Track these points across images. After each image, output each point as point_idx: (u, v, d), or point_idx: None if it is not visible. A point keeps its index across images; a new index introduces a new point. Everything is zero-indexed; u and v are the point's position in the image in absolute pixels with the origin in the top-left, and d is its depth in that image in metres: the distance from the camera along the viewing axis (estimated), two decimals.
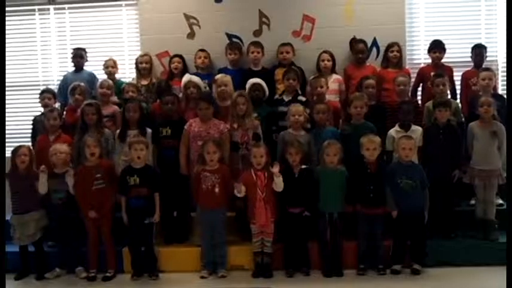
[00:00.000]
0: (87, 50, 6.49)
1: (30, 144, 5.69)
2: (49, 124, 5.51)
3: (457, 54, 6.26)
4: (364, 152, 4.92)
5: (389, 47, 6.13)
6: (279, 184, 4.87)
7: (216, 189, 4.94)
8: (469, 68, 6.04)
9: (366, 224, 4.94)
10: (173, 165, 5.28)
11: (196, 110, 5.39)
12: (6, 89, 6.41)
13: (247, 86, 5.67)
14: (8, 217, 5.25)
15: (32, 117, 6.04)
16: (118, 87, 6.16)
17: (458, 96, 6.00)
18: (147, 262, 5.08)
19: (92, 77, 6.35)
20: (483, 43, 6.18)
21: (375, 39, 6.34)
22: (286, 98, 5.62)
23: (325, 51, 6.10)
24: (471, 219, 5.25)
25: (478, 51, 6.00)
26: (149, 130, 5.39)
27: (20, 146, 5.21)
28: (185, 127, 5.30)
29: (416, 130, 5.23)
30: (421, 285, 4.70)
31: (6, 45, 6.39)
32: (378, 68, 6.19)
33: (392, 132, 5.26)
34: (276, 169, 4.82)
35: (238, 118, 5.27)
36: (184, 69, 6.24)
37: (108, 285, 5.00)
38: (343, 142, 5.08)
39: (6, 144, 5.91)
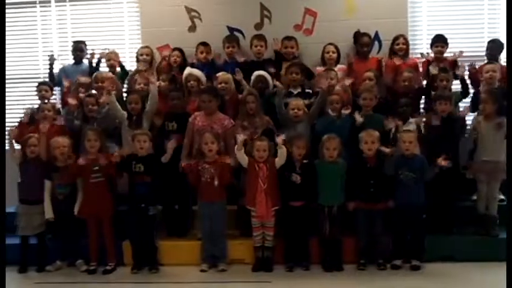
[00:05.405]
0: (87, 43, 6.48)
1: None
2: (43, 116, 5.52)
3: (460, 48, 6.18)
4: (363, 146, 4.91)
5: (395, 39, 6.09)
6: (282, 156, 4.87)
7: (215, 182, 4.94)
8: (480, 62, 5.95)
9: (366, 219, 4.93)
10: (178, 158, 5.26)
11: (198, 103, 5.41)
12: (7, 81, 6.47)
13: (252, 78, 5.69)
14: (10, 208, 5.28)
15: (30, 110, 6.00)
16: (120, 78, 6.16)
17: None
18: (148, 254, 5.09)
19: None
20: (486, 37, 6.17)
21: (376, 33, 6.30)
22: (294, 91, 5.62)
23: (330, 43, 6.07)
24: (472, 215, 5.24)
25: (488, 45, 5.97)
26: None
27: (29, 136, 5.21)
28: (189, 120, 5.30)
29: (414, 122, 5.21)
30: (421, 281, 4.69)
31: (7, 37, 6.42)
32: (385, 59, 6.11)
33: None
34: (280, 139, 4.85)
35: (248, 116, 5.27)
36: (184, 63, 6.20)
37: (108, 278, 5.00)
38: (355, 132, 5.07)
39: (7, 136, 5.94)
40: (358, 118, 5.17)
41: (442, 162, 4.79)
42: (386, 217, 4.93)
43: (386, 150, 4.89)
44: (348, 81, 5.69)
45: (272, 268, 4.98)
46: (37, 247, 5.24)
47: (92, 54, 6.31)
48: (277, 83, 5.41)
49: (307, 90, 5.67)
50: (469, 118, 5.54)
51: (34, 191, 5.16)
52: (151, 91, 5.44)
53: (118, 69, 6.33)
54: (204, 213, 5.06)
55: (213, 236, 5.04)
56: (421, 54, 6.04)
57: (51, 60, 6.37)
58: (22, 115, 5.71)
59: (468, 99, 5.79)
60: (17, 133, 5.39)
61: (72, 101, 5.69)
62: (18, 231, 5.19)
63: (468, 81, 5.82)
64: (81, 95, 5.76)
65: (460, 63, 5.76)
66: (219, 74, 5.74)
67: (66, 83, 6.10)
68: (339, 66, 6.01)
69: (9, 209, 5.41)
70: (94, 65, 6.31)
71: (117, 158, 5.03)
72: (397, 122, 5.14)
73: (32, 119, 5.78)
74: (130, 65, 6.58)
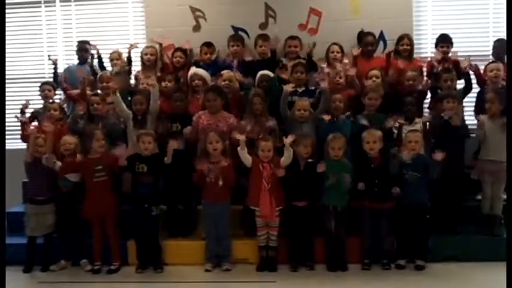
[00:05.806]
0: (92, 42, 6.47)
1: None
2: (48, 115, 5.54)
3: (465, 48, 6.18)
4: (365, 146, 4.91)
5: (399, 40, 6.05)
6: (288, 157, 4.86)
7: (220, 182, 4.94)
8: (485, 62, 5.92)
9: (371, 219, 4.93)
10: (182, 159, 5.23)
11: (202, 101, 5.43)
12: (13, 81, 6.48)
13: (257, 78, 5.71)
14: (12, 208, 5.28)
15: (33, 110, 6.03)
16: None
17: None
18: (152, 253, 5.10)
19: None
20: (491, 36, 6.15)
21: (381, 32, 6.30)
22: (299, 89, 5.62)
23: (334, 43, 6.06)
24: (476, 215, 5.22)
25: (494, 44, 5.97)
26: None
27: (36, 137, 5.20)
28: (194, 119, 5.31)
29: (419, 122, 5.22)
30: (426, 281, 4.68)
31: (12, 37, 6.44)
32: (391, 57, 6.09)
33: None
34: (289, 140, 4.83)
35: (255, 117, 5.29)
36: (189, 62, 6.19)
37: (112, 277, 5.01)
38: (358, 133, 5.07)
39: (12, 136, 5.97)
40: (364, 122, 5.15)
41: (437, 156, 4.80)
42: (391, 217, 4.92)
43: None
44: (352, 71, 5.68)
45: (276, 268, 4.97)
46: (43, 247, 5.23)
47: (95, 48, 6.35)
48: (286, 86, 5.35)
49: (311, 88, 5.68)
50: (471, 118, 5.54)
51: (42, 191, 5.15)
52: (151, 92, 5.44)
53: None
54: (208, 214, 5.07)
55: (217, 236, 5.04)
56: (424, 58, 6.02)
57: (54, 63, 6.38)
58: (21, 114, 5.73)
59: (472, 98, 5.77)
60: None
61: (82, 108, 5.72)
62: (27, 232, 5.17)
63: (473, 80, 5.80)
64: (88, 92, 5.79)
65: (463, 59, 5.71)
66: (224, 71, 5.76)
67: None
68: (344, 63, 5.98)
69: (15, 208, 5.43)
70: (96, 63, 6.34)
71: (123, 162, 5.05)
72: (396, 120, 5.13)
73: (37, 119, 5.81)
74: (135, 65, 6.59)
